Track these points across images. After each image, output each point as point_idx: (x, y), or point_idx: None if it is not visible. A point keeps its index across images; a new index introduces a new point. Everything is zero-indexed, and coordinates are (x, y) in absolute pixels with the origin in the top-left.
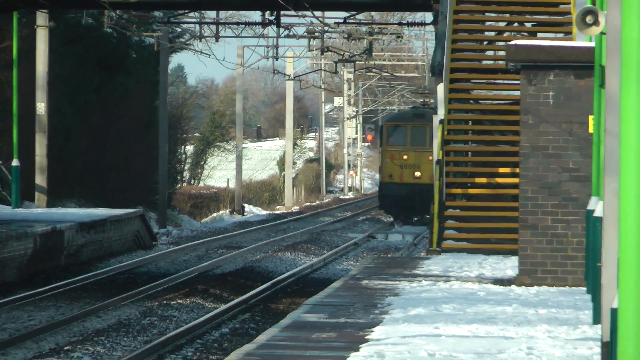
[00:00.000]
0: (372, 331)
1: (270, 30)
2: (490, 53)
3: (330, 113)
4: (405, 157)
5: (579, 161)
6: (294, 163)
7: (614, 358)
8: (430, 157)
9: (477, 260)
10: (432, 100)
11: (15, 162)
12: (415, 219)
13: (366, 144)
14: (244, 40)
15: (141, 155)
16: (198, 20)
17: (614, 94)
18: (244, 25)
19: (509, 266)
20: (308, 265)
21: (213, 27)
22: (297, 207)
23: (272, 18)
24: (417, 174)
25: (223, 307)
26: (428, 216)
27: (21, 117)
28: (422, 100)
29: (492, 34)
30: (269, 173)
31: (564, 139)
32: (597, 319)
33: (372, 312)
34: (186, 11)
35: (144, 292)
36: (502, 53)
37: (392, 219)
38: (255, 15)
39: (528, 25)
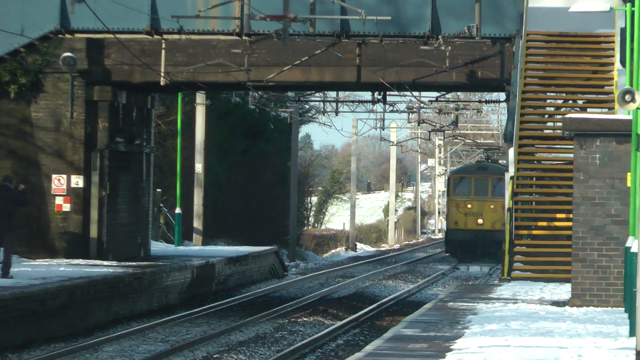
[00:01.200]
0: (456, 342)
1: (378, 107)
2: (550, 124)
3: (424, 171)
4: (469, 206)
5: (619, 208)
6: (396, 210)
7: None
8: (492, 206)
9: (538, 286)
10: (495, 157)
11: (178, 210)
12: (481, 264)
13: None
14: (358, 114)
15: (276, 204)
16: (322, 99)
17: None
18: (357, 103)
19: (564, 291)
20: (406, 290)
21: (333, 104)
22: (398, 245)
23: (379, 97)
24: (480, 221)
25: (339, 323)
26: (488, 258)
27: (183, 174)
28: (485, 154)
29: (552, 109)
30: (377, 218)
31: (607, 191)
32: (632, 333)
33: (456, 327)
34: (312, 92)
35: (277, 312)
36: (559, 124)
37: (456, 262)
38: (367, 95)
39: (580, 102)
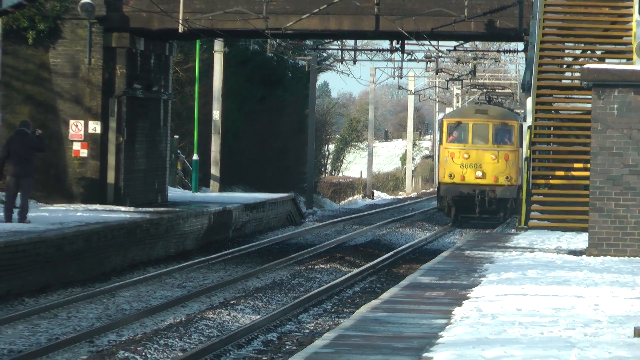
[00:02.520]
0: (472, 291)
1: (396, 55)
2: (568, 74)
3: None
4: (466, 155)
5: (637, 159)
6: (413, 159)
7: None
8: (494, 156)
9: (555, 235)
10: (499, 99)
11: (195, 157)
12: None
13: None
14: (376, 62)
15: (294, 151)
16: (340, 47)
17: None
18: (376, 51)
19: (580, 240)
20: (422, 238)
21: (352, 53)
22: (415, 193)
23: (397, 46)
24: (479, 173)
25: (355, 270)
26: (489, 218)
27: (200, 121)
28: (486, 95)
29: (570, 59)
30: (394, 167)
31: (625, 141)
32: None
33: (473, 275)
34: (331, 40)
35: (293, 258)
36: (577, 74)
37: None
38: (385, 44)
39: (598, 53)
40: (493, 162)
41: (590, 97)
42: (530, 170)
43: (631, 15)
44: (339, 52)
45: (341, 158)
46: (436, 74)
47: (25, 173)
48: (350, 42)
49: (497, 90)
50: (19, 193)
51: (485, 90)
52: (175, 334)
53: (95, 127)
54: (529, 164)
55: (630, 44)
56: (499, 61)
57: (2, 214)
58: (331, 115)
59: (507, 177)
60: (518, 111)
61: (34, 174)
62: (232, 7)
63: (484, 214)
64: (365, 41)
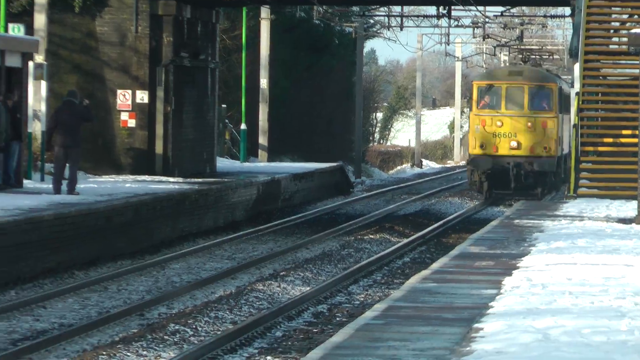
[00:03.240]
0: (522, 260)
1: (443, 22)
2: (615, 39)
3: None
4: (499, 123)
5: None
6: (461, 126)
7: None
8: (530, 124)
9: (605, 204)
10: (538, 61)
11: (243, 126)
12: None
13: None
14: (423, 29)
15: (341, 119)
16: (387, 13)
17: None
18: (422, 18)
19: (630, 208)
20: (472, 207)
21: (398, 19)
22: (464, 162)
23: (444, 12)
24: (514, 143)
25: (405, 241)
26: (526, 194)
27: (248, 90)
28: (524, 56)
29: (617, 24)
30: (442, 135)
31: None
32: None
33: (522, 245)
34: (377, 6)
35: (342, 229)
36: (624, 39)
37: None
38: (432, 10)
39: None
40: (529, 131)
41: (638, 62)
42: (578, 137)
43: None
44: (386, 18)
45: (389, 126)
46: (483, 40)
47: (73, 144)
48: (396, 8)
49: (534, 50)
50: (67, 164)
51: (520, 48)
52: (226, 306)
53: (142, 96)
54: (577, 131)
55: None
56: (546, 26)
57: (51, 185)
58: (378, 82)
59: (545, 148)
60: (565, 77)
61: (82, 145)
62: None
63: (520, 190)
64: (411, 7)
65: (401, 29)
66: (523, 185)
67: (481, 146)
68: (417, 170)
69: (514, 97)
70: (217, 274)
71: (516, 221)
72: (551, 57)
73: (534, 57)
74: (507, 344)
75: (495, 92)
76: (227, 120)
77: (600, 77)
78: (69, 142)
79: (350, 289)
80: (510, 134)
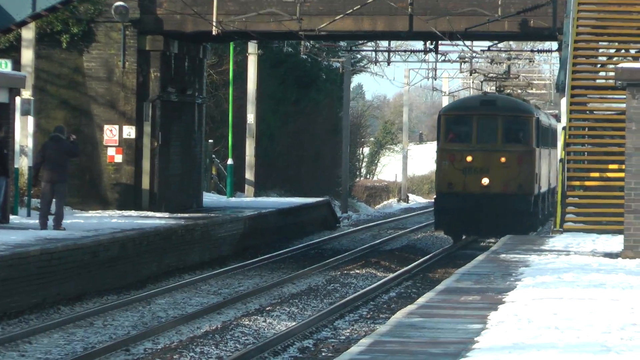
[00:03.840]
0: (508, 295)
1: (430, 56)
2: (602, 74)
3: None
4: (469, 158)
5: None
6: None
7: None
8: (504, 159)
9: (591, 238)
10: (509, 91)
11: (230, 161)
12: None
13: None
14: (410, 64)
15: (328, 154)
16: (374, 48)
17: None
18: (410, 52)
19: (616, 243)
20: (459, 243)
21: (385, 54)
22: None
23: (431, 47)
24: (485, 180)
25: (391, 275)
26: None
27: (235, 125)
28: (497, 85)
29: (604, 58)
30: (429, 169)
31: None
32: None
33: (508, 279)
34: (364, 41)
35: (329, 264)
36: (612, 74)
37: (451, 240)
38: (419, 45)
39: (632, 52)
40: (503, 167)
41: (624, 97)
42: (565, 172)
43: None
44: (373, 53)
45: (376, 161)
46: (470, 74)
47: (60, 179)
48: (383, 43)
49: (509, 79)
50: (54, 199)
51: (492, 77)
52: (212, 341)
53: (129, 131)
54: (564, 166)
55: None
56: (533, 61)
57: (37, 221)
58: (365, 117)
59: (519, 185)
60: (550, 111)
61: (69, 180)
62: (265, 9)
63: (492, 231)
64: (399, 42)
65: (388, 64)
66: (495, 227)
67: (449, 184)
68: (403, 205)
69: (486, 129)
70: (203, 309)
71: (502, 255)
72: (528, 87)
73: (507, 87)
74: None
75: (465, 123)
76: (214, 155)
77: (587, 112)
78: (55, 177)
79: (336, 323)
80: (482, 169)
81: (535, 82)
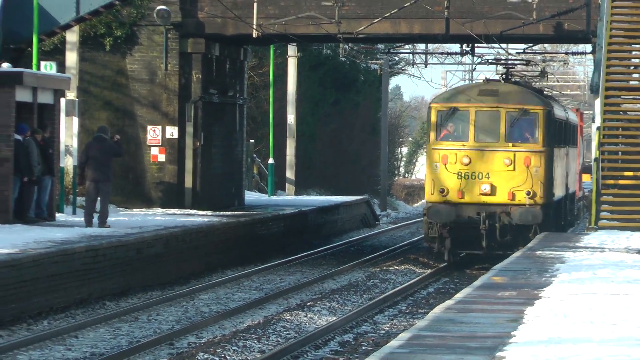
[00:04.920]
0: (544, 290)
1: (467, 58)
2: (635, 75)
3: None
4: (466, 159)
5: None
6: None
7: None
8: (508, 160)
9: (625, 235)
10: (526, 79)
11: (271, 161)
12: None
13: None
14: (447, 66)
15: (367, 154)
16: (411, 51)
17: None
18: (446, 55)
19: None
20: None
21: (423, 56)
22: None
23: (468, 49)
24: (486, 187)
25: (429, 271)
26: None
27: (275, 125)
28: (505, 69)
29: (637, 60)
30: None
31: None
32: None
33: (544, 275)
34: (402, 44)
35: (368, 260)
36: None
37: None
38: (455, 47)
39: None
40: (507, 170)
41: None
42: (599, 170)
43: None
44: (410, 55)
45: (414, 161)
46: (507, 77)
47: (103, 178)
48: (421, 46)
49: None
50: (98, 198)
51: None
52: (254, 335)
53: (172, 132)
54: (599, 165)
55: None
56: (568, 63)
57: (82, 218)
58: (403, 118)
59: (528, 193)
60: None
61: (113, 179)
62: (304, 12)
63: (494, 249)
64: (436, 45)
65: (425, 66)
66: (498, 244)
67: (441, 191)
68: None
69: (487, 125)
70: (246, 304)
71: (538, 252)
72: (545, 76)
73: (517, 74)
74: None
75: (461, 118)
76: (255, 155)
77: (621, 112)
78: (99, 176)
79: (375, 318)
80: (481, 174)
81: (569, 83)
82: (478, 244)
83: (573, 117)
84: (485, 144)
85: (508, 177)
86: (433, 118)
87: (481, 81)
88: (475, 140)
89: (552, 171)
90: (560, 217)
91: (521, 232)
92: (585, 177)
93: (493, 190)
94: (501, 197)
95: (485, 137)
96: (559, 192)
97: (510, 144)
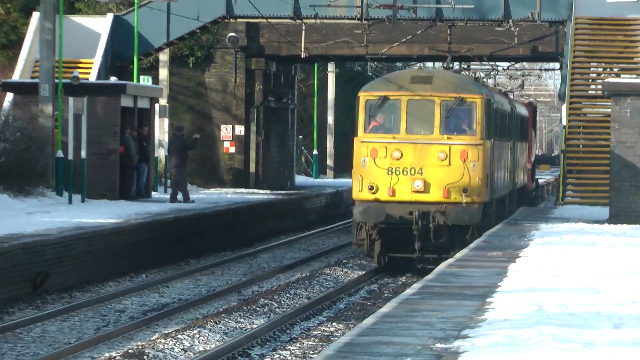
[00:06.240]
0: (523, 251)
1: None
2: (593, 87)
3: None
4: (397, 153)
5: None
6: None
7: None
8: (442, 154)
9: (585, 209)
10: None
11: (315, 152)
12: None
13: None
14: None
15: None
16: (421, 67)
17: None
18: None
19: (603, 213)
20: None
21: None
22: None
23: (465, 66)
24: (419, 184)
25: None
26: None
27: (318, 125)
28: (449, 58)
29: (594, 75)
30: None
31: (636, 137)
32: None
33: (523, 239)
34: (415, 62)
35: None
36: (600, 87)
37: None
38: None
39: (615, 70)
40: (441, 165)
41: (609, 104)
42: (565, 159)
43: (639, 41)
44: None
45: None
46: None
47: (178, 165)
48: (429, 63)
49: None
50: (177, 181)
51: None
52: (302, 285)
53: (240, 130)
54: (564, 155)
55: (639, 63)
56: (541, 77)
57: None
58: None
59: (464, 190)
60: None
61: (186, 166)
62: (341, 38)
63: (429, 252)
64: (440, 62)
65: None
66: (433, 246)
67: (370, 188)
68: None
69: (420, 116)
70: (296, 261)
71: (519, 222)
72: (492, 73)
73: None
74: (512, 313)
75: (392, 108)
76: (303, 147)
77: (582, 115)
78: (175, 163)
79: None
80: (414, 169)
81: (542, 92)
82: (411, 246)
83: (522, 109)
84: (418, 137)
85: (443, 172)
86: (361, 108)
87: (416, 68)
88: (407, 132)
89: (493, 166)
90: (505, 215)
91: (458, 233)
92: (544, 167)
93: (426, 188)
94: (435, 195)
95: (419, 128)
96: (501, 188)
97: (446, 137)
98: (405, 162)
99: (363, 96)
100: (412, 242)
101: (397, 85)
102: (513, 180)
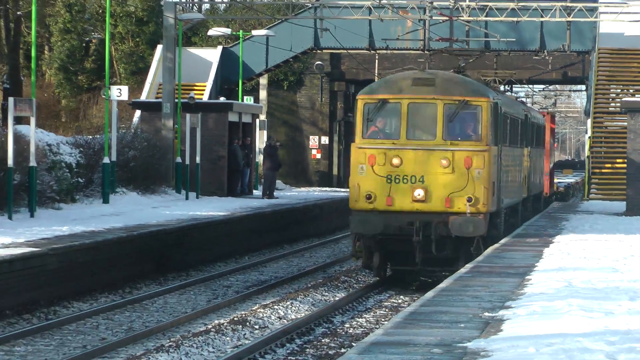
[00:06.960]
0: (555, 238)
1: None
2: (613, 104)
3: None
4: (396, 160)
5: None
6: None
7: None
8: (445, 161)
9: (606, 203)
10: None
11: None
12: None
13: None
14: None
15: None
16: None
17: None
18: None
19: (622, 206)
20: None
21: None
22: None
23: (508, 88)
24: (419, 193)
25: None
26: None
27: None
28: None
29: (614, 95)
30: None
31: None
32: None
33: (556, 228)
34: None
35: None
36: (619, 104)
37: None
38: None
39: (631, 91)
40: (444, 173)
41: (626, 118)
42: (590, 163)
43: None
44: None
45: None
46: (532, 105)
47: (269, 168)
48: None
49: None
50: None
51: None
52: None
53: (325, 140)
54: (589, 160)
55: None
56: (570, 96)
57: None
58: None
59: (469, 199)
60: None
61: (277, 169)
62: (407, 65)
63: (430, 264)
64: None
65: None
66: (435, 258)
67: (368, 197)
68: None
69: (421, 120)
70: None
71: (553, 214)
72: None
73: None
74: (546, 288)
75: (392, 111)
76: None
77: (604, 127)
78: (267, 167)
79: None
80: (414, 177)
81: (571, 109)
82: (411, 258)
83: (538, 116)
84: (419, 142)
85: (446, 180)
86: (359, 112)
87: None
88: (407, 137)
89: (501, 173)
90: (518, 224)
91: (461, 244)
92: (567, 172)
93: (428, 197)
94: (437, 205)
95: (420, 133)
96: (510, 197)
97: (449, 142)
98: (405, 169)
99: (361, 99)
100: (412, 254)
101: (398, 88)
102: (528, 187)
